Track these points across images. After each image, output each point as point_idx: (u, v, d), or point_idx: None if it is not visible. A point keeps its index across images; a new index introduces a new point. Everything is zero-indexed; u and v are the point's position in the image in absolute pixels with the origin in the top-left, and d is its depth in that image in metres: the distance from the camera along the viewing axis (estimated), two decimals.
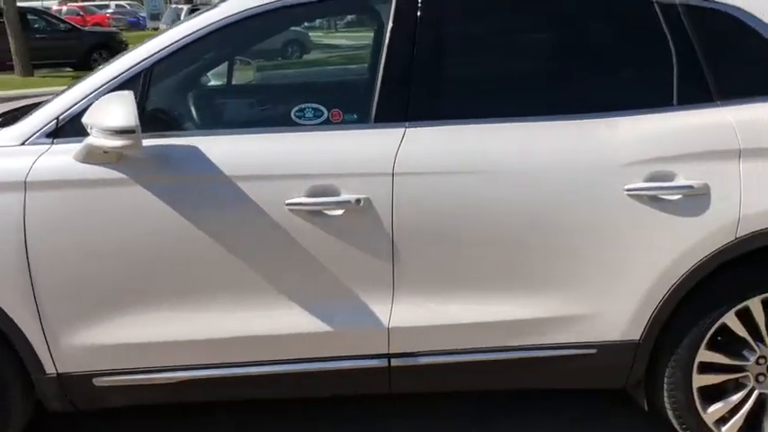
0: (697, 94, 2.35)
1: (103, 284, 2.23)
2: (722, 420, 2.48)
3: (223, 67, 2.82)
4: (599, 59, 2.47)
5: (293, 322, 2.31)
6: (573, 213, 2.28)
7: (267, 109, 2.47)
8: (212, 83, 2.59)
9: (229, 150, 2.25)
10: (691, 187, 2.26)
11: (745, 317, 2.39)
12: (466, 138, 2.29)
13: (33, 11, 19.22)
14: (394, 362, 2.38)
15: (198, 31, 2.31)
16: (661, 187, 2.26)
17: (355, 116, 2.37)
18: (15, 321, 2.21)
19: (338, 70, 2.33)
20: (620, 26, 2.46)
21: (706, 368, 2.43)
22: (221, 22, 2.31)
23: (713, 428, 2.47)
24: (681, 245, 2.29)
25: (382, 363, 2.37)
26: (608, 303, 2.34)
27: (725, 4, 2.39)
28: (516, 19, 2.50)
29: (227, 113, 2.56)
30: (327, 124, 2.35)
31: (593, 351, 2.38)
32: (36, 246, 2.18)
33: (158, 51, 2.30)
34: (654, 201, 2.27)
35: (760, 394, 2.47)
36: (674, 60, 2.36)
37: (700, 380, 2.43)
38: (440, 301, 2.34)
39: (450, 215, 2.27)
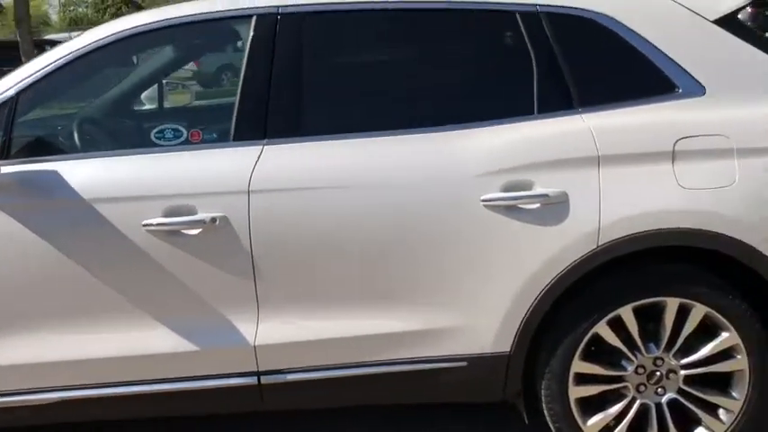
0: (558, 102, 2.33)
1: None
2: (606, 431, 2.43)
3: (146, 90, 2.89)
4: (459, 72, 2.47)
5: (160, 343, 2.33)
6: (432, 226, 2.27)
7: (130, 132, 2.51)
8: (71, 110, 2.63)
9: (89, 174, 2.29)
10: (546, 196, 2.23)
11: (618, 326, 2.35)
12: (323, 154, 2.30)
13: (51, 42, 19.70)
14: (264, 379, 2.37)
15: (60, 59, 2.35)
16: (517, 197, 2.24)
17: (215, 136, 2.39)
18: None
19: (211, 92, 2.37)
20: (481, 38, 2.45)
21: (583, 379, 2.39)
22: (82, 50, 2.36)
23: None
24: (542, 255, 2.26)
25: (252, 380, 2.37)
26: (475, 316, 2.32)
27: (588, 11, 2.37)
28: (375, 35, 2.50)
29: (90, 138, 2.60)
30: (186, 144, 2.37)
31: (463, 364, 2.36)
32: None
33: (23, 79, 2.35)
34: (512, 210, 2.25)
35: (642, 404, 2.42)
36: (535, 69, 2.34)
37: (576, 391, 2.39)
38: (306, 318, 2.34)
39: (309, 231, 2.27)
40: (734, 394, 2.40)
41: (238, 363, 2.36)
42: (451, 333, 2.34)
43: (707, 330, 2.37)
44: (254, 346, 2.33)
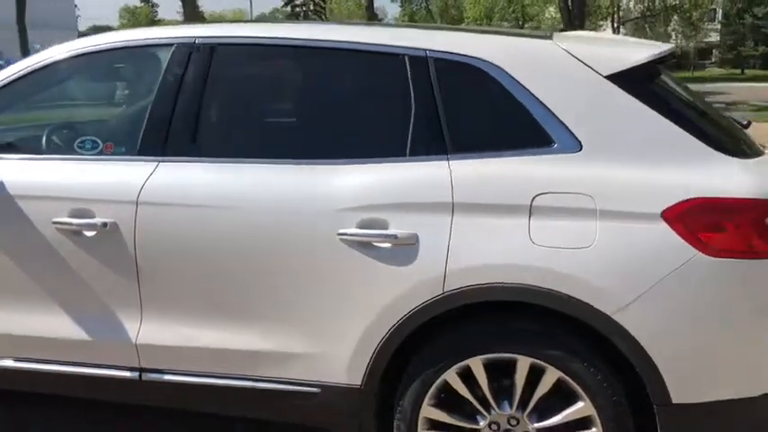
0: (430, 146, 2.35)
1: None
2: None
3: None
4: (342, 110, 2.55)
5: (63, 327, 2.62)
6: (291, 252, 2.37)
7: (58, 139, 2.84)
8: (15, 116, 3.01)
9: (15, 172, 2.63)
10: (395, 237, 2.26)
11: (470, 378, 2.31)
12: (204, 175, 2.49)
13: None
14: (144, 376, 2.59)
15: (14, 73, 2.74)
16: (370, 234, 2.29)
17: (124, 149, 2.65)
18: None
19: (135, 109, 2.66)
20: (369, 79, 2.52)
21: (433, 425, 2.37)
22: (32, 67, 2.72)
23: None
24: (391, 293, 2.29)
25: (134, 375, 2.60)
26: (328, 345, 2.39)
27: (475, 58, 2.37)
28: (269, 68, 2.66)
29: (24, 141, 2.97)
30: (100, 155, 2.65)
31: (316, 390, 2.43)
32: None
33: None
34: (366, 247, 2.30)
35: None
36: (413, 113, 2.38)
37: None
38: (182, 324, 2.52)
39: (183, 244, 2.46)
40: None
41: (124, 357, 2.59)
42: (307, 358, 2.42)
43: (567, 396, 2.27)
44: (136, 344, 2.55)
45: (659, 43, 2.63)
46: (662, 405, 2.17)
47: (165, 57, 2.62)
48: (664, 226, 2.11)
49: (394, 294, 2.28)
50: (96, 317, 2.59)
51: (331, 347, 2.38)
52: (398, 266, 2.28)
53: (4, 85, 2.73)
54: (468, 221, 2.24)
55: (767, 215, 2.13)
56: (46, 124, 2.92)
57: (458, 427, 2.36)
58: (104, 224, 2.49)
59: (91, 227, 2.51)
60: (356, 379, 2.37)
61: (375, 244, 2.29)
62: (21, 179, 2.63)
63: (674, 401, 2.16)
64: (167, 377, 2.57)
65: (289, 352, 2.43)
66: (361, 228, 2.30)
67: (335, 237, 2.31)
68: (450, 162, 2.31)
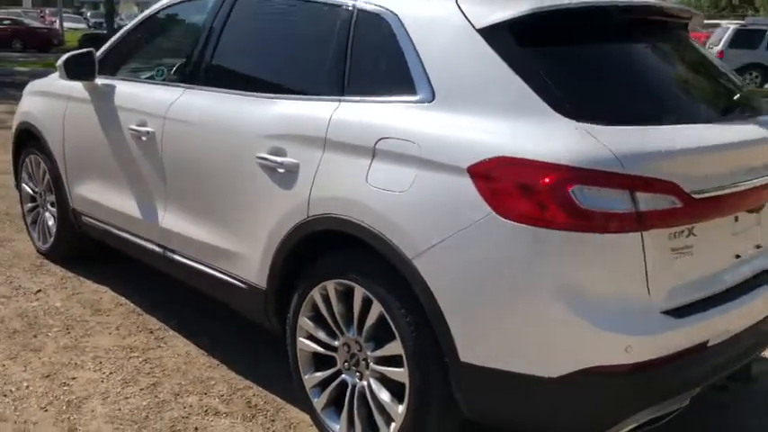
0: (334, 87, 2.60)
1: None
2: (318, 390, 2.67)
3: None
4: (282, 51, 2.94)
5: (126, 205, 3.57)
6: (231, 167, 2.89)
7: (146, 68, 3.73)
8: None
9: (124, 91, 3.61)
10: (283, 164, 2.61)
11: (328, 299, 2.56)
12: (190, 98, 3.17)
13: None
14: (167, 252, 3.37)
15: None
16: (271, 160, 2.67)
17: (175, 77, 3.41)
18: None
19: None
20: (309, 26, 2.84)
21: (309, 336, 2.68)
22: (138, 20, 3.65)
23: (309, 394, 2.69)
24: (281, 212, 2.65)
25: (161, 250, 3.40)
26: (248, 248, 2.84)
27: (386, 10, 2.52)
28: (234, 17, 3.14)
29: (132, 70, 3.87)
30: (163, 81, 3.46)
31: (244, 287, 2.91)
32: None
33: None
34: (270, 170, 2.69)
35: (342, 380, 2.57)
36: (331, 57, 2.65)
37: (301, 344, 2.69)
38: (180, 216, 3.23)
39: (177, 151, 3.17)
40: (400, 407, 2.36)
41: (156, 235, 3.40)
42: (239, 258, 2.91)
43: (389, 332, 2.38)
44: (161, 227, 3.34)
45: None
46: (451, 360, 2.17)
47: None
48: (468, 181, 2.09)
49: (282, 213, 2.64)
50: (146, 201, 3.44)
51: (249, 251, 2.84)
52: (286, 190, 2.63)
53: (129, 31, 3.72)
54: (332, 157, 2.48)
55: (571, 184, 1.96)
56: (144, 58, 3.84)
57: (320, 340, 2.63)
58: (147, 132, 3.31)
59: (145, 133, 3.35)
60: (263, 281, 2.80)
61: (275, 168, 2.67)
62: (121, 95, 3.59)
63: (461, 359, 2.15)
64: (175, 257, 3.31)
65: (230, 250, 2.95)
66: (269, 153, 2.69)
67: (255, 158, 2.75)
68: (341, 103, 2.55)
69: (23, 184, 4.64)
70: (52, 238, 4.39)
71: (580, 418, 2.11)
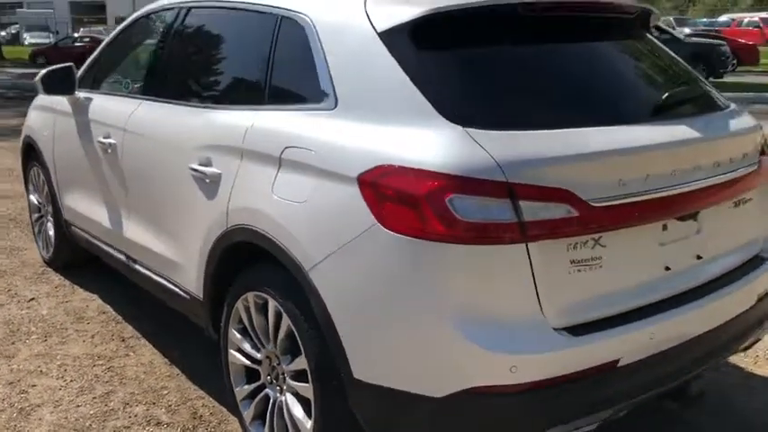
0: (256, 97, 2.57)
1: None
2: (248, 402, 2.63)
3: None
4: (217, 62, 2.95)
5: (99, 214, 3.62)
6: (171, 176, 2.89)
7: (114, 81, 3.76)
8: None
9: (94, 103, 3.68)
10: (207, 174, 2.60)
11: (249, 311, 2.52)
12: (142, 110, 3.20)
13: None
14: (130, 262, 3.41)
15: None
16: (201, 170, 2.66)
17: (137, 89, 3.45)
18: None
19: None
20: (239, 35, 2.83)
21: (237, 348, 2.64)
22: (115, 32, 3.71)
23: (240, 406, 2.66)
24: (207, 223, 2.63)
25: (126, 259, 3.44)
26: (185, 259, 2.85)
27: (300, 14, 2.47)
28: (186, 29, 3.19)
29: (107, 83, 3.91)
30: (129, 93, 3.50)
31: (187, 297, 2.91)
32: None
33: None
34: (200, 181, 2.68)
35: (266, 393, 2.53)
36: (255, 66, 2.62)
37: (231, 356, 2.66)
38: (139, 226, 3.26)
39: (135, 163, 3.21)
40: (309, 422, 2.30)
41: (122, 245, 3.45)
42: (181, 268, 2.91)
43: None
44: (124, 237, 3.39)
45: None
46: (346, 376, 2.09)
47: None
48: (356, 191, 2.02)
49: (208, 223, 2.63)
50: (114, 212, 3.50)
51: (188, 261, 2.83)
52: (210, 200, 2.61)
53: (105, 45, 3.81)
54: (247, 167, 2.45)
55: (449, 193, 1.85)
56: (116, 71, 3.90)
57: (247, 353, 2.59)
58: (111, 144, 3.36)
59: (109, 145, 3.41)
60: (199, 292, 2.79)
61: (203, 179, 2.66)
62: (94, 108, 3.67)
63: (354, 376, 2.07)
64: (133, 265, 3.35)
65: (174, 260, 2.96)
66: (199, 164, 2.68)
67: (188, 169, 2.74)
68: (259, 112, 2.51)
69: (30, 195, 4.81)
70: (53, 248, 4.53)
71: None
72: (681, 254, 2.25)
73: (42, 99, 4.55)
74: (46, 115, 4.28)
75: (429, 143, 1.94)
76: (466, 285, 1.88)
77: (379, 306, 1.99)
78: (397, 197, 1.94)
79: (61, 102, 3.97)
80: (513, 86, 2.13)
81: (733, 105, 2.62)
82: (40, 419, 2.90)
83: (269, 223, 2.27)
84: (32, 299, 4.16)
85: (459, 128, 1.93)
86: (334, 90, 2.24)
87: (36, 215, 4.79)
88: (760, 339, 2.74)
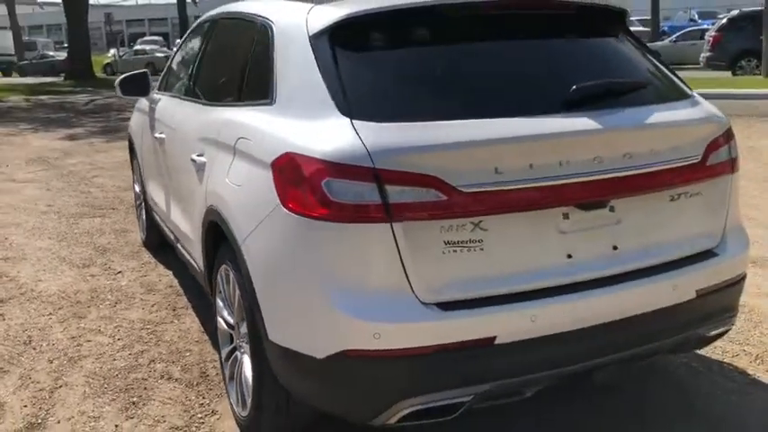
0: (237, 95, 2.95)
1: None
2: (227, 364, 3.00)
3: None
4: (223, 65, 3.29)
5: (160, 197, 4.18)
6: (188, 165, 3.32)
7: (171, 82, 4.26)
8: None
9: (157, 102, 4.25)
10: (196, 162, 3.01)
11: (223, 281, 2.89)
12: (181, 108, 3.67)
13: None
14: (176, 242, 3.93)
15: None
16: (196, 160, 3.07)
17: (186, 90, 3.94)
18: None
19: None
20: (240, 41, 3.15)
21: (221, 314, 3.02)
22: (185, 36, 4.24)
23: (222, 367, 3.03)
24: (198, 206, 3.04)
25: (174, 239, 3.96)
26: (193, 237, 3.28)
27: (268, 21, 2.81)
28: (209, 37, 3.59)
29: (168, 84, 4.43)
30: (181, 94, 4.02)
31: (198, 269, 3.35)
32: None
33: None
34: (197, 168, 3.10)
35: (236, 356, 2.87)
36: (243, 68, 2.99)
37: (218, 322, 3.04)
38: (176, 210, 3.76)
39: (173, 153, 3.70)
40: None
41: (170, 225, 3.98)
42: (192, 244, 3.35)
43: None
44: (171, 220, 3.91)
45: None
46: (264, 339, 2.39)
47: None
48: (270, 174, 2.32)
49: (199, 206, 3.04)
50: (166, 198, 4.03)
51: (195, 239, 3.26)
52: (200, 185, 3.02)
53: (175, 52, 4.36)
54: (219, 155, 2.82)
55: (324, 176, 2.10)
56: (178, 75, 4.42)
57: (225, 319, 2.96)
58: (162, 138, 3.90)
59: (161, 140, 3.95)
60: (201, 264, 3.21)
61: (198, 168, 3.07)
62: (157, 108, 4.24)
63: (269, 338, 2.36)
64: (178, 245, 3.86)
65: (191, 238, 3.40)
66: (196, 154, 3.10)
67: (191, 158, 3.17)
68: (232, 108, 2.88)
69: (134, 184, 5.55)
70: (146, 230, 5.21)
71: (352, 400, 2.21)
72: (589, 243, 2.30)
73: (139, 102, 5.26)
74: (138, 115, 4.96)
75: (320, 134, 2.19)
76: (339, 259, 2.11)
77: (282, 276, 2.27)
78: (291, 180, 2.21)
79: (144, 103, 4.61)
80: (407, 82, 2.32)
81: (693, 98, 2.59)
82: (81, 367, 3.47)
83: (223, 204, 2.63)
84: (119, 272, 4.84)
85: (347, 120, 2.16)
86: (276, 88, 2.55)
87: (138, 202, 5.51)
88: (721, 336, 2.66)
